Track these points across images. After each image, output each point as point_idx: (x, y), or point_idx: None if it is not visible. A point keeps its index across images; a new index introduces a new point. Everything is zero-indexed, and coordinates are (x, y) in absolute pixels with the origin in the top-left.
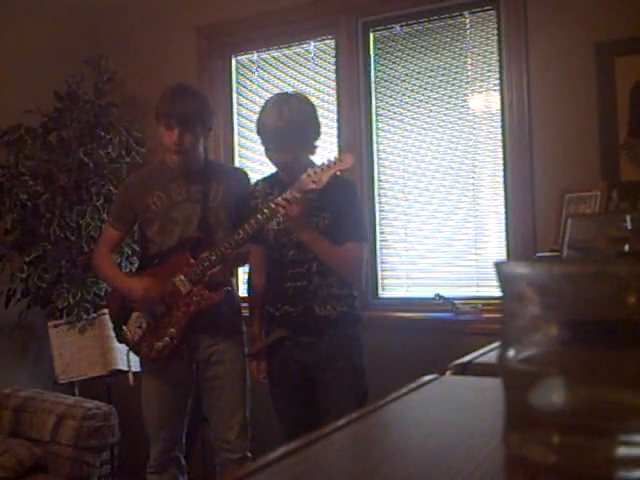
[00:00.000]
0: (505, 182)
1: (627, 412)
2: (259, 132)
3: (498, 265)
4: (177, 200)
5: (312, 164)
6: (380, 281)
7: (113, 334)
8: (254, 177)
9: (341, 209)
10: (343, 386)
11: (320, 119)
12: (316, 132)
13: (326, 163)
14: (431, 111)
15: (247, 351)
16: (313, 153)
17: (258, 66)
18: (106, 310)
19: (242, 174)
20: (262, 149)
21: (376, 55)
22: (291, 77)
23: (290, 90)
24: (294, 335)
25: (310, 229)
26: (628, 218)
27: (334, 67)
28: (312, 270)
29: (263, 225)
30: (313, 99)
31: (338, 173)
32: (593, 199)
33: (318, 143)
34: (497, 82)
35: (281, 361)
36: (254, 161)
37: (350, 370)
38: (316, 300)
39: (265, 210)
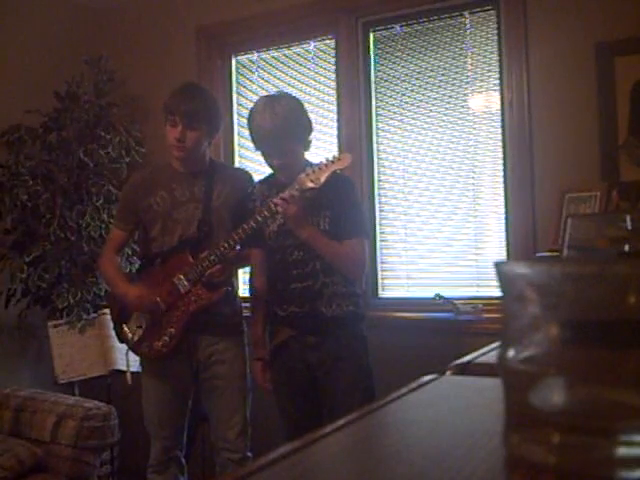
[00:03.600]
0: (505, 182)
1: (627, 412)
2: (255, 139)
3: (498, 265)
4: (180, 200)
5: (310, 164)
6: (380, 281)
7: (113, 334)
8: (255, 178)
9: (340, 206)
10: (349, 386)
11: (310, 115)
12: (309, 127)
13: (324, 162)
14: (431, 111)
15: (249, 352)
16: (308, 149)
17: (258, 66)
18: (106, 310)
19: (245, 175)
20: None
21: (376, 55)
22: (291, 77)
23: (274, 91)
24: (300, 335)
25: (309, 227)
26: (628, 218)
27: (334, 67)
28: (316, 269)
29: (262, 225)
30: (313, 99)
31: (338, 171)
32: (593, 199)
33: (311, 139)
34: (497, 82)
35: (286, 361)
36: (254, 161)
37: (356, 370)
38: (322, 299)
39: (264, 210)
